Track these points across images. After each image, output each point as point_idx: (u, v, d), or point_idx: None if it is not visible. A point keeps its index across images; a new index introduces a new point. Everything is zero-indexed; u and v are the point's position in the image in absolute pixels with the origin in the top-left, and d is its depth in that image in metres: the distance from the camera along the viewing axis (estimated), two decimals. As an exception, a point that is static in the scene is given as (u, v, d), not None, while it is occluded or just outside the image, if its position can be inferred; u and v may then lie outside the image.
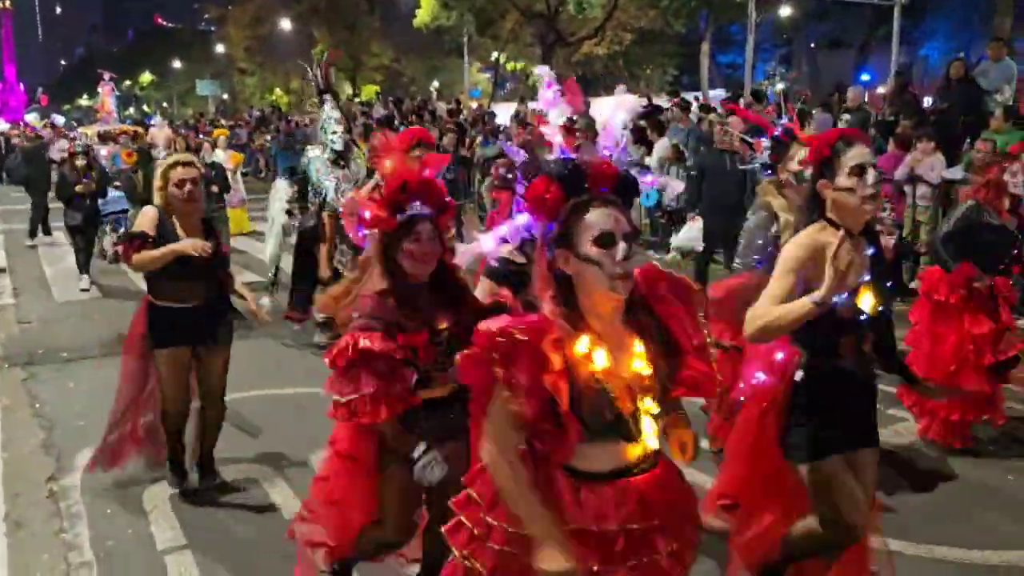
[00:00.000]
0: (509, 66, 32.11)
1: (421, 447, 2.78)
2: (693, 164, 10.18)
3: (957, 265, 4.84)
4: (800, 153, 4.27)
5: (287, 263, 8.04)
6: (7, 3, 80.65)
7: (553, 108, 2.22)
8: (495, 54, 31.08)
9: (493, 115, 18.20)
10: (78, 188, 9.58)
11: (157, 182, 4.26)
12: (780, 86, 27.60)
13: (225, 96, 51.73)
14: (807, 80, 30.49)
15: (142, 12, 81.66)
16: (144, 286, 4.41)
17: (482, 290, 3.31)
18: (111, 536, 4.04)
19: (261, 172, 22.16)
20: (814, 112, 11.49)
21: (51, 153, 15.07)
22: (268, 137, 22.95)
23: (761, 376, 2.95)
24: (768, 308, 2.67)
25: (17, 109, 60.26)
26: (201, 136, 18.15)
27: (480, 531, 2.14)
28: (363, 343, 2.69)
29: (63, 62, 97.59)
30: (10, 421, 5.58)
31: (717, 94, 20.68)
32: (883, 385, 3.23)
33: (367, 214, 2.83)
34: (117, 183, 10.60)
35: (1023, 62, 12.23)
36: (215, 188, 9.10)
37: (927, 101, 13.00)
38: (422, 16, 28.17)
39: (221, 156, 12.12)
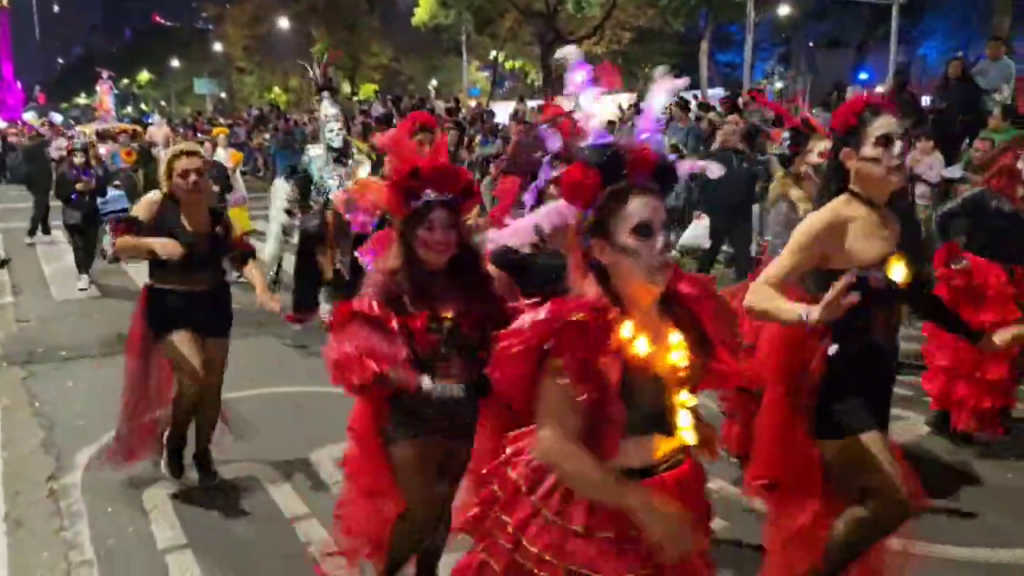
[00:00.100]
0: (508, 65, 32.10)
1: (426, 379, 2.70)
2: (696, 163, 10.18)
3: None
4: (819, 145, 4.24)
5: (288, 263, 8.04)
6: (4, 1, 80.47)
7: (584, 92, 2.10)
8: (493, 53, 31.07)
9: (492, 114, 18.22)
10: (78, 186, 9.56)
11: (162, 172, 4.24)
12: (779, 85, 27.64)
13: (223, 95, 51.68)
14: (806, 79, 30.49)
15: (141, 11, 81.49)
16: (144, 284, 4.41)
17: None
18: (111, 535, 4.04)
19: (260, 171, 22.13)
20: (814, 111, 11.49)
21: (50, 151, 15.06)
22: (267, 136, 22.94)
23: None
24: (772, 294, 2.61)
25: (15, 108, 60.18)
26: (199, 135, 18.13)
27: (496, 528, 2.10)
28: (358, 305, 2.67)
29: (60, 60, 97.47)
30: (10, 420, 5.58)
31: (716, 93, 20.69)
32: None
33: (374, 197, 2.78)
34: (117, 182, 10.59)
35: (1021, 61, 12.25)
36: (216, 187, 9.08)
37: (925, 100, 13.01)
38: (420, 15, 28.13)
39: (222, 155, 12.10)
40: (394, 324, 2.66)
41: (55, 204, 11.11)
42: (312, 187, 6.99)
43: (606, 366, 1.92)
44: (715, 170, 2.28)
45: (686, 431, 2.04)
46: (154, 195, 4.30)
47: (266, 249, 8.36)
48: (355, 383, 2.65)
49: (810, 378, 2.76)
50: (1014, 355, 4.67)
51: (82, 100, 64.08)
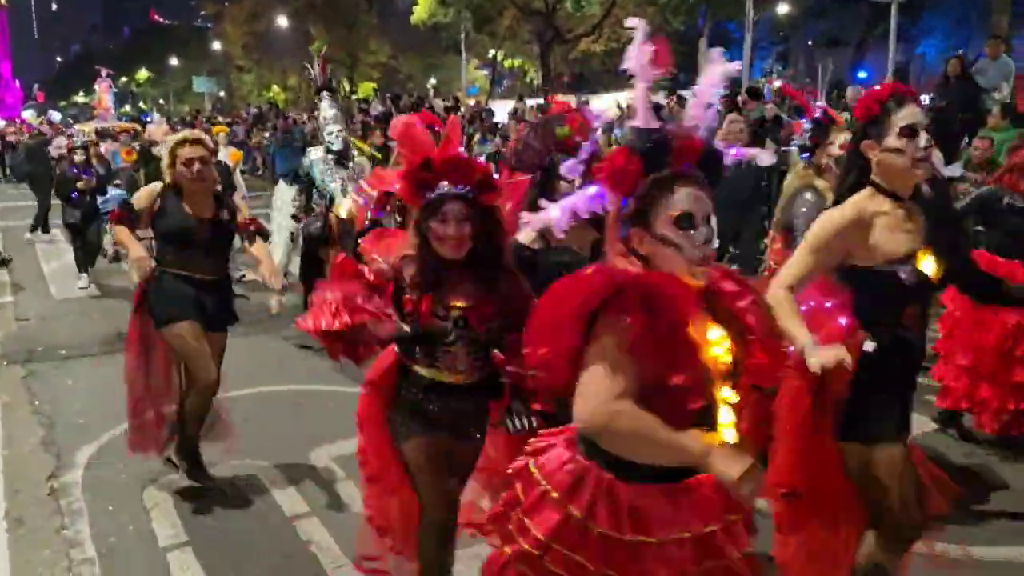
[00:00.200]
0: (506, 63, 32.12)
1: (404, 326, 2.67)
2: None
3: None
4: (840, 137, 4.21)
5: (294, 266, 7.99)
6: (2, 0, 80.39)
7: (642, 72, 1.99)
8: (492, 51, 31.07)
9: (491, 112, 18.20)
10: (79, 185, 9.54)
11: (166, 160, 4.21)
12: (778, 83, 27.60)
13: (222, 93, 51.65)
14: (804, 77, 30.50)
15: (139, 10, 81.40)
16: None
17: None
18: (112, 533, 4.04)
19: (259, 169, 22.13)
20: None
21: (50, 150, 15.07)
22: (266, 134, 22.92)
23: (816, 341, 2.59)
24: (788, 309, 2.53)
25: (13, 106, 60.14)
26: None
27: (519, 532, 2.02)
28: (357, 266, 2.68)
29: (59, 59, 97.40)
30: (10, 418, 5.58)
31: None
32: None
33: (396, 187, 2.74)
34: (118, 181, 10.57)
35: (1021, 59, 12.26)
36: (219, 186, 9.04)
37: (925, 99, 13.02)
38: (419, 13, 28.14)
39: (223, 153, 12.10)
40: (382, 285, 2.64)
41: (56, 203, 11.11)
42: (314, 190, 6.95)
43: (694, 337, 1.81)
44: (765, 158, 2.20)
45: (727, 428, 1.94)
46: (155, 185, 4.29)
47: (273, 255, 8.27)
48: (321, 327, 2.63)
49: (841, 377, 2.58)
50: None
51: (80, 99, 64.01)
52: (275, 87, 43.54)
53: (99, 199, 9.87)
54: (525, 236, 3.07)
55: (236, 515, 4.23)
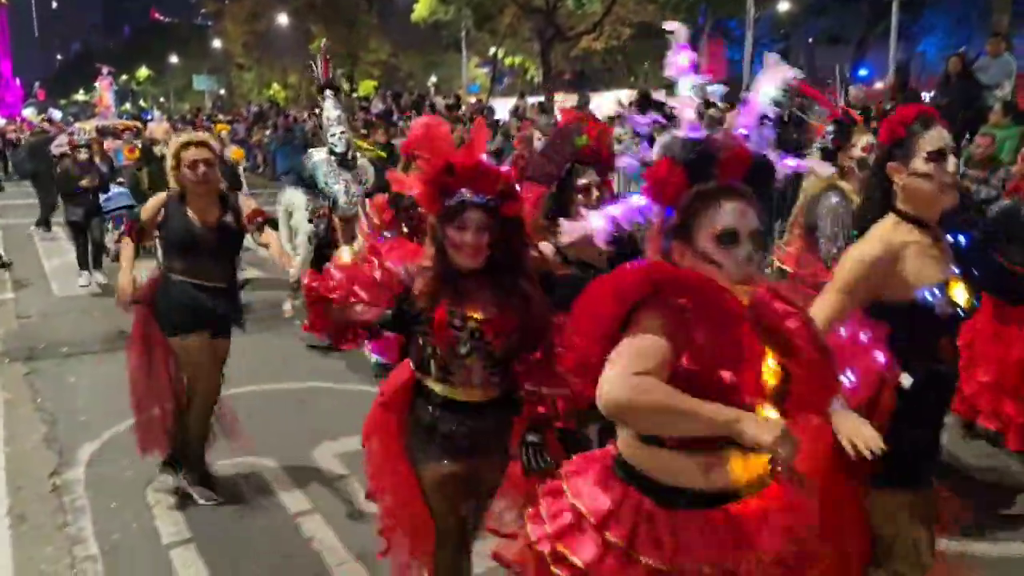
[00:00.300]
0: (507, 61, 32.06)
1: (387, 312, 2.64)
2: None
3: None
4: (863, 139, 4.16)
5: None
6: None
7: (685, 76, 1.92)
8: (493, 49, 31.02)
9: (492, 110, 18.19)
10: (83, 182, 9.52)
11: (170, 162, 4.20)
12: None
13: (222, 91, 51.60)
14: (806, 75, 30.44)
15: (140, 8, 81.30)
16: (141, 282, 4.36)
17: None
18: (115, 530, 4.05)
19: (259, 168, 22.14)
20: (815, 108, 11.48)
21: (52, 148, 15.09)
22: (267, 132, 22.92)
23: (850, 377, 2.40)
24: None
25: (13, 105, 60.06)
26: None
27: (554, 558, 1.92)
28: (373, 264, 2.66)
29: (59, 57, 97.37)
30: (12, 416, 5.59)
31: (716, 90, 20.60)
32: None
33: (415, 191, 2.62)
34: (121, 179, 10.57)
35: (1022, 58, 12.24)
36: (223, 185, 9.02)
37: (926, 97, 13.01)
38: (419, 11, 28.09)
39: (225, 152, 12.12)
40: (385, 276, 2.62)
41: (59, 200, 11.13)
42: (318, 192, 6.90)
43: (748, 341, 1.74)
44: (823, 171, 2.08)
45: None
46: (158, 196, 4.29)
47: (295, 261, 8.09)
48: (314, 287, 2.65)
49: (878, 416, 2.42)
50: None
51: (81, 97, 63.97)
52: (275, 85, 43.49)
53: (102, 197, 9.89)
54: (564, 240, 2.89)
55: (239, 512, 4.23)
